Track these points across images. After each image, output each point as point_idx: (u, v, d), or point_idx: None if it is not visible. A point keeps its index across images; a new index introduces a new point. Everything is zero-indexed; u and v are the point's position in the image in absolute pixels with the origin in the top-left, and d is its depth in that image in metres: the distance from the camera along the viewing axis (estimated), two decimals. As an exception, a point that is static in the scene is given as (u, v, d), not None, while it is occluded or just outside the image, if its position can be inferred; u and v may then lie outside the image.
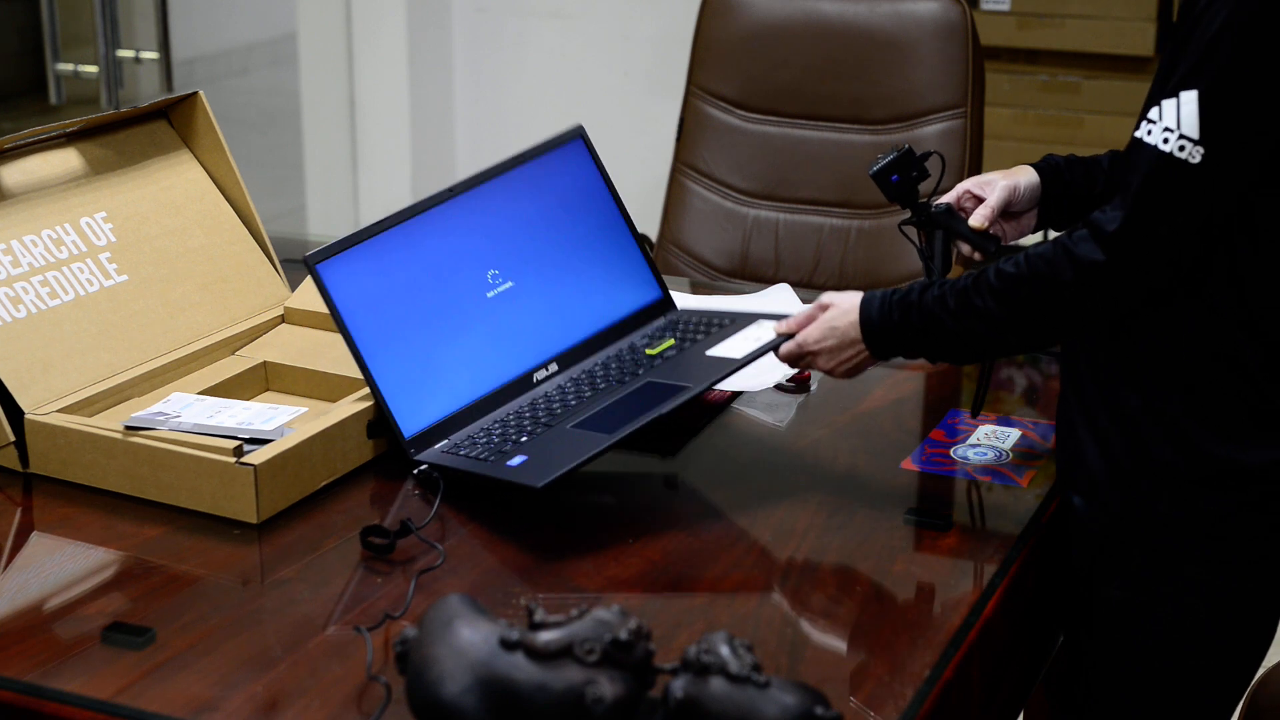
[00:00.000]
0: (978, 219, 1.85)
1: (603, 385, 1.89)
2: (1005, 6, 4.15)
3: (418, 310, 1.89)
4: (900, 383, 2.12)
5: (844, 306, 1.75)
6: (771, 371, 2.10)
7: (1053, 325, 1.70)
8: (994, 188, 1.86)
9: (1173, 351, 1.66)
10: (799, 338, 1.78)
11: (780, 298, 2.33)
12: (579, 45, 4.61)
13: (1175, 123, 1.56)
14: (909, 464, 1.88)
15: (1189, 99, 1.55)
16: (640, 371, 1.90)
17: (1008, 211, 1.88)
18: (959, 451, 1.91)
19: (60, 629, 1.57)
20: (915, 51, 2.76)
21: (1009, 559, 1.67)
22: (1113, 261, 1.60)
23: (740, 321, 1.94)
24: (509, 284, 1.97)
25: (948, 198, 1.89)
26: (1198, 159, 1.55)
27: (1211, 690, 1.78)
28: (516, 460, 1.75)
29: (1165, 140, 1.56)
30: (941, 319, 1.68)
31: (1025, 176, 1.87)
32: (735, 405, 2.04)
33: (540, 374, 1.95)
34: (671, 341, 1.96)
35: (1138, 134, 1.59)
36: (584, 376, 1.94)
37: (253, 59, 6.28)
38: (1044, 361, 2.23)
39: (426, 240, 1.92)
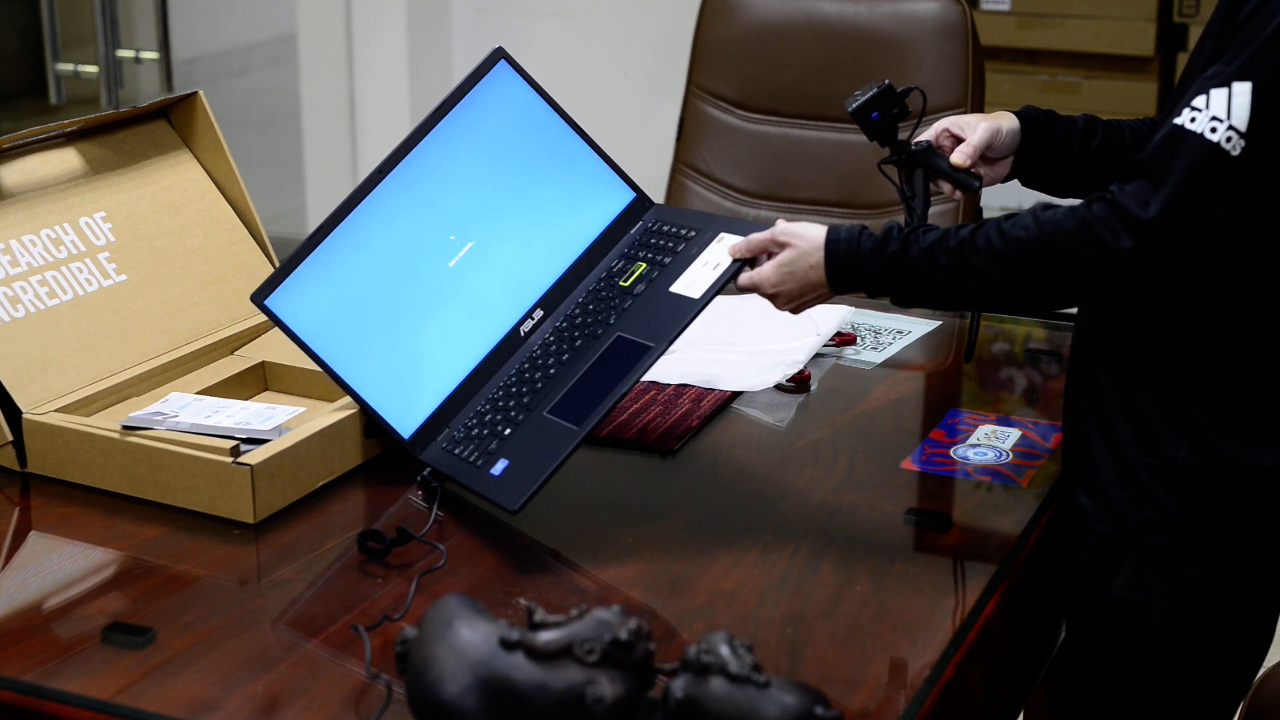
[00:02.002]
0: (960, 156, 1.80)
1: (579, 341, 1.83)
2: (1005, 6, 4.15)
3: (382, 308, 1.84)
4: (900, 383, 2.12)
5: (803, 248, 1.69)
6: (771, 371, 2.11)
7: (1058, 297, 1.66)
8: (975, 128, 1.82)
9: (1193, 352, 1.65)
10: (755, 279, 1.73)
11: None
12: (579, 45, 4.61)
13: (1225, 113, 1.53)
14: (909, 464, 1.88)
15: (1242, 90, 1.52)
16: (613, 319, 1.83)
17: (985, 155, 1.83)
18: (959, 451, 1.90)
19: (60, 629, 1.57)
20: (915, 51, 2.76)
21: (1009, 559, 1.67)
22: (1141, 249, 1.56)
23: (706, 233, 1.86)
24: (469, 244, 1.89)
25: (926, 136, 1.84)
26: (1238, 152, 1.53)
27: (1212, 690, 1.78)
28: (499, 467, 1.73)
29: (1213, 129, 1.53)
30: (928, 274, 1.64)
31: (1008, 121, 1.83)
32: (735, 405, 2.04)
33: (527, 325, 1.89)
34: (643, 266, 1.88)
35: (1178, 121, 1.55)
36: (565, 325, 1.87)
37: (253, 59, 6.28)
38: (1044, 361, 2.23)
39: (370, 234, 1.85)
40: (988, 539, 1.73)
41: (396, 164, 1.88)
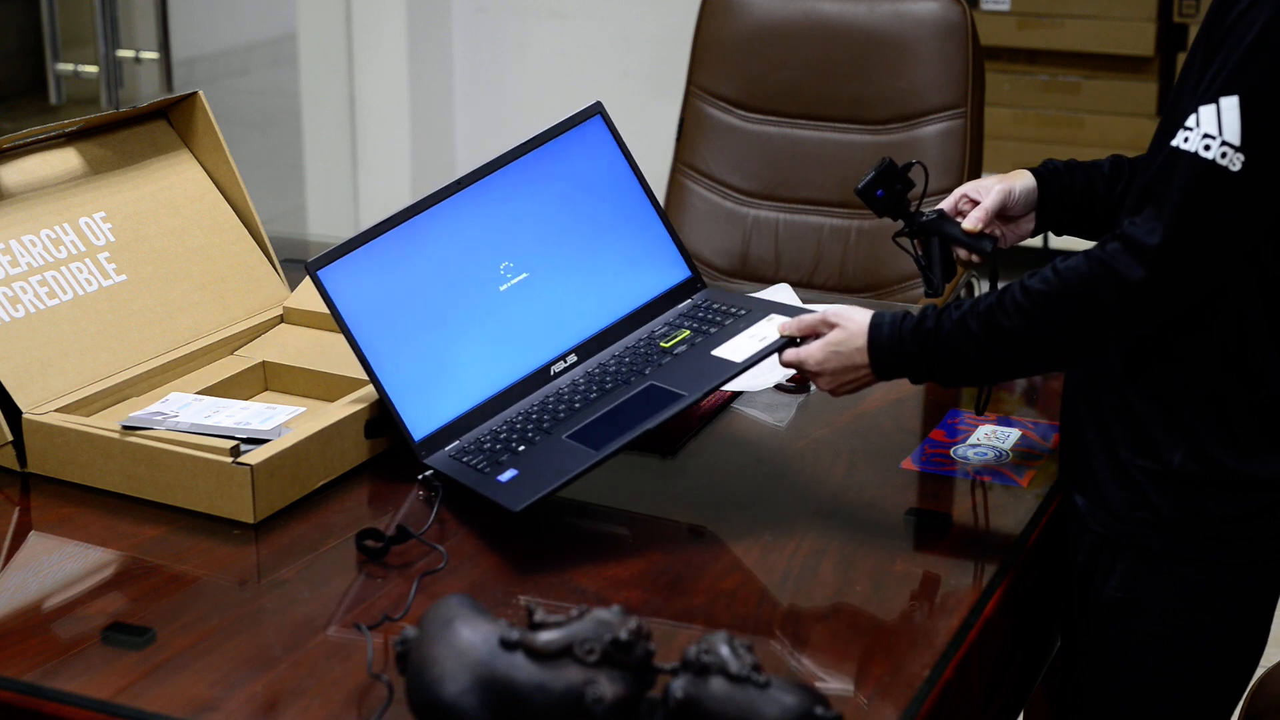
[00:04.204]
0: (970, 221, 1.83)
1: (610, 385, 1.85)
2: (1005, 6, 4.15)
3: (426, 310, 1.86)
4: (900, 383, 2.11)
5: (850, 330, 1.70)
6: (771, 372, 2.10)
7: (1087, 344, 1.65)
8: (989, 191, 1.85)
9: (1193, 358, 1.65)
10: (801, 355, 1.74)
11: (781, 296, 2.31)
12: (579, 45, 4.61)
13: (1216, 129, 1.52)
14: (909, 464, 1.88)
15: (1230, 105, 1.52)
16: (648, 371, 1.85)
17: (1005, 215, 1.86)
18: (959, 451, 1.90)
19: (60, 629, 1.57)
20: (915, 51, 2.76)
21: (1009, 559, 1.67)
22: (1154, 278, 1.56)
23: (757, 312, 1.88)
24: (523, 275, 1.92)
25: (945, 204, 1.88)
26: (1238, 167, 1.52)
27: (1205, 692, 1.77)
28: (507, 475, 1.73)
29: (1206, 147, 1.53)
30: (962, 345, 1.64)
31: (1021, 180, 1.86)
32: (735, 405, 2.04)
33: (558, 366, 1.90)
34: (687, 333, 1.90)
35: (1174, 143, 1.55)
36: (598, 371, 1.89)
37: (253, 59, 6.28)
38: (1044, 361, 2.22)
39: (433, 237, 1.88)
40: (988, 539, 1.73)
41: (477, 180, 1.91)
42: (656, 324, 1.96)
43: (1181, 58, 4.10)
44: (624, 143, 2.01)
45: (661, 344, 1.90)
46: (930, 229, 1.86)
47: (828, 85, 2.81)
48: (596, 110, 2.00)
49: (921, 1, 2.76)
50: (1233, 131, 1.52)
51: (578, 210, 1.97)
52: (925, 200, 1.90)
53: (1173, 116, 1.62)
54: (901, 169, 1.86)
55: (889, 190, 1.86)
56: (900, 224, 1.89)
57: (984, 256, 1.85)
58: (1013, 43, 4.17)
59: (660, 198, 2.94)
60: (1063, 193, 1.86)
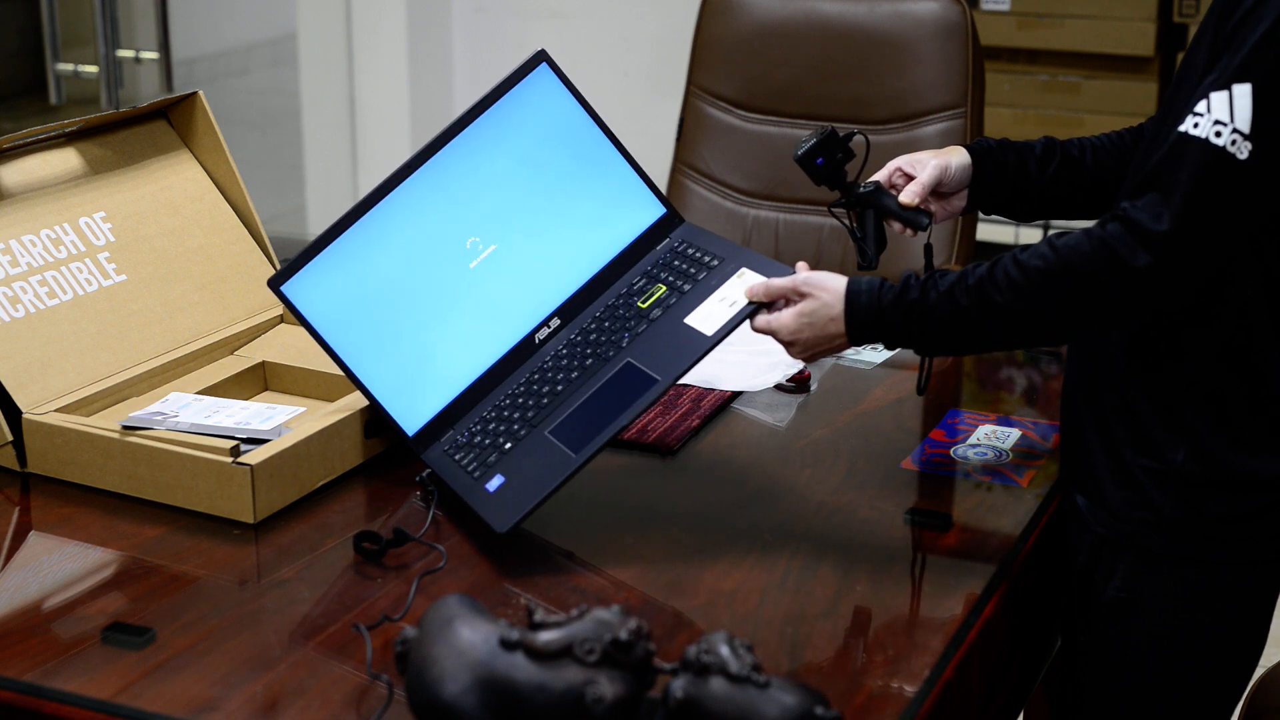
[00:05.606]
0: (908, 195, 1.81)
1: (591, 360, 1.82)
2: (1005, 6, 4.15)
3: (398, 304, 1.83)
4: (900, 383, 2.12)
5: (824, 299, 1.68)
6: (771, 372, 2.11)
7: (1083, 325, 1.65)
8: (925, 166, 1.83)
9: (1194, 356, 1.65)
10: (774, 325, 1.71)
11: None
12: (579, 45, 4.61)
13: (1228, 116, 1.51)
14: (909, 464, 1.88)
15: (1243, 92, 1.51)
16: (625, 342, 1.81)
17: (938, 191, 1.84)
18: (959, 451, 1.90)
19: (60, 629, 1.57)
20: (915, 51, 2.76)
21: (1009, 559, 1.67)
22: (1160, 264, 1.54)
23: (728, 264, 1.83)
24: (492, 248, 1.87)
25: (879, 176, 1.86)
26: (1245, 155, 1.51)
27: (1205, 693, 1.77)
28: (494, 483, 1.72)
29: (1218, 134, 1.52)
30: (949, 318, 1.62)
31: (957, 157, 1.84)
32: (735, 405, 2.04)
33: (542, 333, 1.87)
34: (663, 289, 1.85)
35: (1182, 128, 1.54)
36: (580, 339, 1.85)
37: (253, 59, 6.28)
38: (1044, 361, 2.23)
39: (393, 227, 1.84)
40: (988, 539, 1.73)
41: (427, 159, 1.86)
42: (635, 274, 1.90)
43: (1182, 58, 4.10)
44: (575, 87, 1.93)
45: (639, 304, 1.85)
46: (866, 201, 1.84)
47: (828, 85, 2.81)
48: (541, 59, 1.92)
49: (921, 1, 2.76)
50: (1244, 119, 1.51)
51: (537, 168, 1.91)
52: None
53: (1172, 108, 1.61)
54: (843, 138, 1.84)
55: (829, 159, 1.83)
56: (836, 194, 1.86)
57: (919, 231, 1.83)
58: (1013, 43, 4.17)
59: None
60: (996, 171, 1.85)
